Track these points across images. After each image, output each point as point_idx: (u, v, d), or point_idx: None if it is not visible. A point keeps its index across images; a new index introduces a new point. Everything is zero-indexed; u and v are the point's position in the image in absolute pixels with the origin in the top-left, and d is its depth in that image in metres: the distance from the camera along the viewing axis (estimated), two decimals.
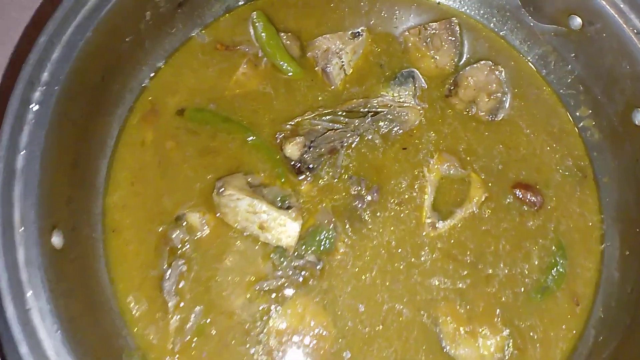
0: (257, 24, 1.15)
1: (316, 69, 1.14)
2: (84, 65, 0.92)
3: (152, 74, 1.12)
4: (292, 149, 1.05)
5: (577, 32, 1.07)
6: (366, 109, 1.11)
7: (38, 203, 0.83)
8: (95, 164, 1.03)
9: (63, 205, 0.92)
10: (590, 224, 1.09)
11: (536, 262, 1.05)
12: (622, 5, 1.00)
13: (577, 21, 1.06)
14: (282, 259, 1.00)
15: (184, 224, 1.02)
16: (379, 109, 1.11)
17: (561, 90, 1.16)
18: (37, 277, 0.80)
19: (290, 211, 1.00)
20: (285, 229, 0.99)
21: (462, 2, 1.21)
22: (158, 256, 1.01)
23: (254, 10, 1.17)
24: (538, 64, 1.17)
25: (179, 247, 1.01)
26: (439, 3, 1.21)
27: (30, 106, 0.85)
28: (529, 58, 1.18)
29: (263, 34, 1.13)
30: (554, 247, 1.06)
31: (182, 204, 1.04)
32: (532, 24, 1.15)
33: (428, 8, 1.21)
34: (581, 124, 1.14)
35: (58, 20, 0.88)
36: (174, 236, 1.02)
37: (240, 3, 1.18)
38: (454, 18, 1.18)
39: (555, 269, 1.05)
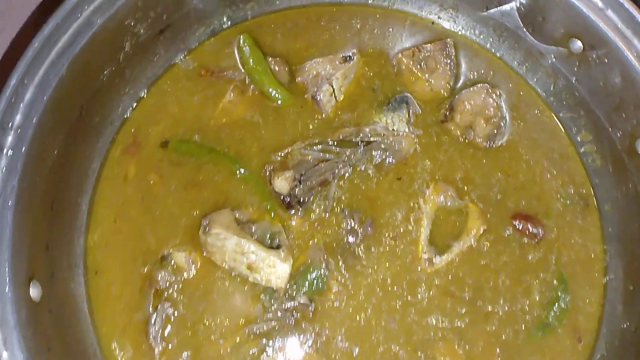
0: (243, 49, 1.10)
1: (306, 96, 1.09)
2: (60, 103, 0.87)
3: (134, 104, 1.07)
4: (281, 184, 1.00)
5: (578, 55, 1.02)
6: (358, 138, 1.06)
7: (12, 256, 0.78)
8: (75, 203, 0.98)
9: (41, 253, 0.87)
10: (593, 255, 1.05)
11: (537, 297, 1.01)
12: (624, 29, 0.94)
13: (578, 44, 1.01)
14: (272, 301, 0.96)
15: (170, 263, 0.98)
16: (372, 138, 1.06)
17: (561, 114, 1.11)
18: (13, 336, 0.76)
19: (279, 251, 0.96)
20: (274, 269, 0.95)
21: (457, 22, 1.15)
22: (143, 298, 0.97)
23: (240, 32, 1.12)
24: (537, 86, 1.13)
25: (164, 288, 0.97)
26: (433, 23, 1.16)
27: (3, 152, 0.80)
28: (528, 80, 1.13)
29: (250, 60, 1.08)
30: (555, 281, 1.02)
31: (167, 242, 1.00)
32: (531, 45, 1.10)
33: (422, 28, 1.16)
34: (582, 149, 1.09)
35: (29, 59, 0.82)
36: (159, 277, 0.97)
37: (225, 26, 1.12)
38: (449, 39, 1.13)
39: (556, 304, 1.01)
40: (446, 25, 1.17)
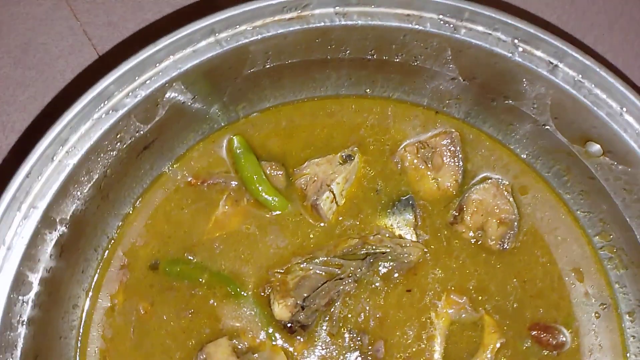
0: (235, 153, 1.02)
1: (305, 203, 1.01)
2: (34, 259, 0.79)
3: (119, 223, 0.99)
4: (282, 311, 0.93)
5: (596, 157, 0.95)
6: (363, 250, 0.98)
7: None
8: (59, 347, 0.90)
9: None
10: None
11: None
12: None
13: (596, 148, 0.94)
14: None
15: None
16: (377, 249, 0.98)
17: (579, 212, 1.04)
18: None
19: None
20: None
21: (462, 111, 1.07)
22: None
23: (232, 133, 1.04)
24: (552, 181, 1.05)
25: None
26: (437, 112, 1.08)
27: None
28: (542, 174, 1.05)
29: (244, 167, 1.00)
30: None
31: None
32: (544, 139, 1.01)
33: (425, 119, 1.07)
34: (601, 249, 1.02)
35: None
36: None
37: (216, 126, 1.04)
38: (454, 131, 1.05)
39: None
40: (451, 113, 1.08)
